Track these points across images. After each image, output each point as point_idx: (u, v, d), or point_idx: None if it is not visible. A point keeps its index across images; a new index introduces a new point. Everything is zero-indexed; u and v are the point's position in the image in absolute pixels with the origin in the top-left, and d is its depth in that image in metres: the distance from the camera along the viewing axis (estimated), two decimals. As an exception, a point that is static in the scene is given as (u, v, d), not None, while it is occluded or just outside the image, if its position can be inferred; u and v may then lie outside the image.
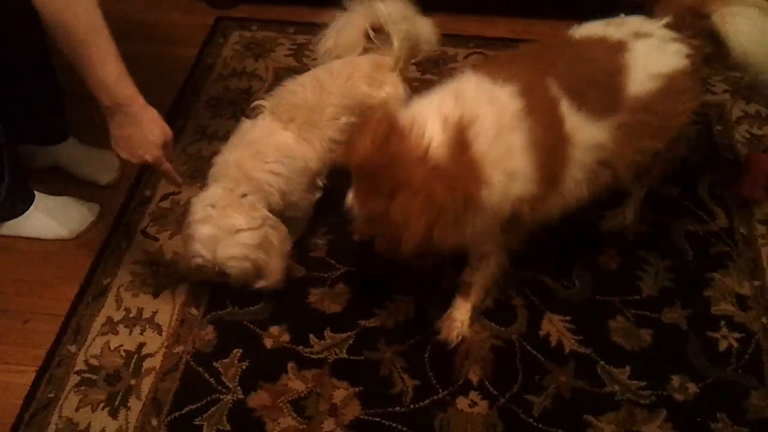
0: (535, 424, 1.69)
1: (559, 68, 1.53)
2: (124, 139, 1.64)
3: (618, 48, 1.56)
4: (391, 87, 1.92)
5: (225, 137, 2.28)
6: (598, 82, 1.53)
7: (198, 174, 2.21)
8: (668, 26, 1.60)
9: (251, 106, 1.91)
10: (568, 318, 1.88)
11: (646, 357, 1.81)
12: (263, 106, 1.86)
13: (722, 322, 1.86)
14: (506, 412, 1.71)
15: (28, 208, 2.02)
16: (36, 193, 2.05)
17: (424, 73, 2.56)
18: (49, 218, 2.04)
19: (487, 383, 1.76)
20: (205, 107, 2.45)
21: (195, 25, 2.76)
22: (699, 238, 2.04)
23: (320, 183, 1.92)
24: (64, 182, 2.19)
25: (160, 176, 2.17)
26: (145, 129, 1.63)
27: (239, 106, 2.44)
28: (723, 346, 1.82)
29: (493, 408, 1.72)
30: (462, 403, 1.73)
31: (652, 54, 1.56)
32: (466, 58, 2.62)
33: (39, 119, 2.12)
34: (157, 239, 2.07)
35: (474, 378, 1.77)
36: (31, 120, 2.09)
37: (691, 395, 1.74)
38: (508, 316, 1.89)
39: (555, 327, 1.86)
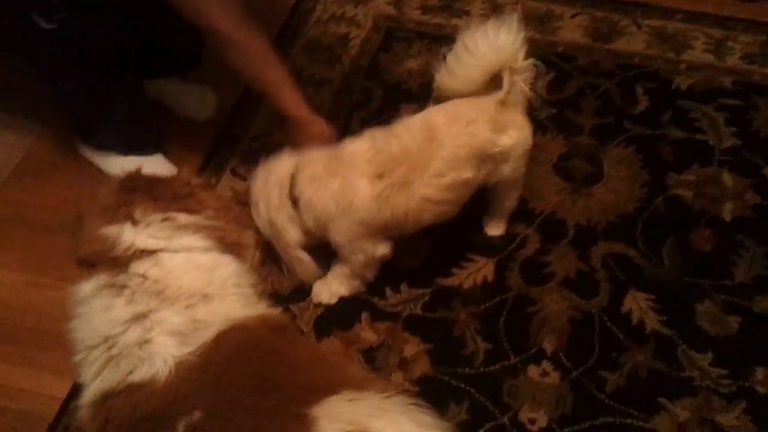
0: (606, 401, 1.65)
1: None
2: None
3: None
4: (516, 130, 1.72)
5: (320, 82, 2.33)
6: None
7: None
8: None
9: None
10: (653, 297, 1.82)
11: (731, 345, 1.73)
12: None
13: (818, 317, 1.77)
14: (578, 386, 1.68)
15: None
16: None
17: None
18: None
19: (561, 354, 1.73)
20: (302, 51, 2.45)
21: (298, -33, 2.74)
22: (803, 227, 1.94)
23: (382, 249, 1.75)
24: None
25: (253, 116, 2.21)
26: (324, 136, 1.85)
27: (335, 52, 2.43)
28: (816, 342, 1.73)
29: (565, 380, 1.69)
30: (533, 371, 1.71)
31: None
32: (572, 17, 2.52)
33: (184, 44, 2.16)
34: (245, 179, 2.09)
35: (548, 348, 1.74)
36: (176, 45, 2.14)
37: (774, 389, 1.66)
38: (590, 288, 1.84)
39: (638, 305, 1.81)
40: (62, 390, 1.70)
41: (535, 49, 2.29)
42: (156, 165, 2.09)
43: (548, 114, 2.22)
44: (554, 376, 1.70)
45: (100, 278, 1.24)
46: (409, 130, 1.67)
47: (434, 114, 1.70)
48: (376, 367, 1.72)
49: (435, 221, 1.74)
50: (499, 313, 1.80)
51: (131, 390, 1.16)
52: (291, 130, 1.89)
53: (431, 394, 1.66)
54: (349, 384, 1.19)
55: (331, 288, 1.82)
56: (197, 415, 1.12)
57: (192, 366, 1.17)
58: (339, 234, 1.69)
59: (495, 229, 1.94)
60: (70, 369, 1.59)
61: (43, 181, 2.12)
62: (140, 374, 1.16)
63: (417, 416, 1.23)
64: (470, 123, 1.65)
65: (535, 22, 2.50)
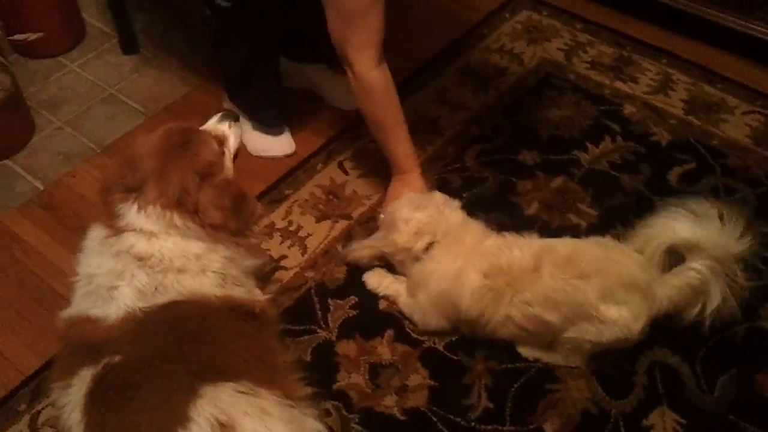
0: (579, 503, 1.57)
1: None
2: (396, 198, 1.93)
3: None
4: (628, 314, 1.63)
5: (457, 106, 2.37)
6: None
7: (414, 130, 2.29)
8: None
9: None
10: (685, 422, 1.68)
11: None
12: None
13: None
14: (558, 478, 1.61)
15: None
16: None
17: (688, 114, 2.34)
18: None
19: (558, 440, 1.66)
20: (455, 72, 2.50)
21: (494, -7, 2.79)
22: None
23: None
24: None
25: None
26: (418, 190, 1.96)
27: (486, 82, 2.45)
28: None
29: (548, 467, 1.62)
30: (520, 442, 1.66)
31: None
32: (744, 114, 2.34)
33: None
34: (347, 173, 2.20)
35: (548, 429, 1.67)
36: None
37: None
38: (621, 388, 1.74)
39: (664, 423, 1.68)
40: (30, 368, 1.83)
41: (687, 134, 2.23)
42: (279, 141, 2.26)
43: (668, 203, 2.09)
44: (540, 459, 1.64)
45: (103, 232, 1.42)
46: (523, 248, 1.70)
47: (557, 245, 1.71)
48: (376, 383, 1.75)
49: (510, 339, 1.76)
50: (516, 379, 1.76)
51: (87, 321, 1.33)
52: (392, 173, 2.02)
53: (413, 428, 1.68)
54: (253, 378, 1.25)
55: (381, 283, 1.90)
56: (117, 358, 1.25)
57: (136, 319, 1.30)
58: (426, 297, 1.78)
59: (527, 351, 1.80)
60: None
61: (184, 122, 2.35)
62: (98, 311, 1.33)
63: (296, 429, 1.27)
64: (581, 276, 1.62)
65: (703, 107, 2.36)
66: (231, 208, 1.47)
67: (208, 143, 1.54)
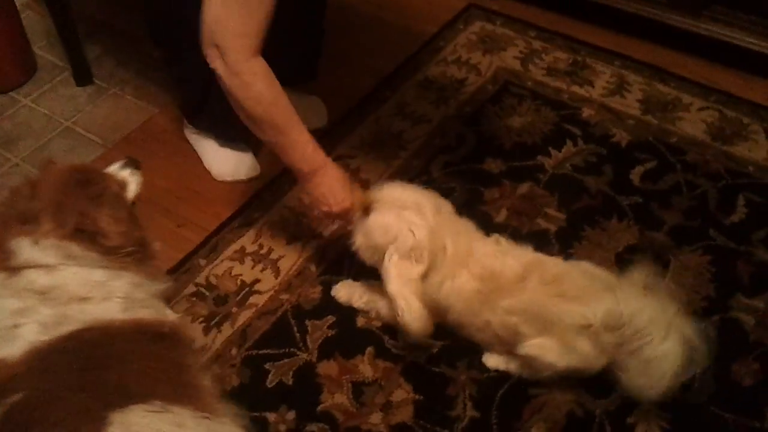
0: (572, 506, 1.57)
1: None
2: (325, 195, 1.77)
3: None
4: (586, 352, 1.62)
5: (419, 119, 2.38)
6: None
7: (378, 145, 2.30)
8: None
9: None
10: (668, 416, 1.70)
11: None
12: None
13: None
14: (549, 483, 1.61)
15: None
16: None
17: (645, 113, 2.39)
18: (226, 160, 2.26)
19: (545, 445, 1.67)
20: (415, 86, 2.51)
21: (445, 6, 2.81)
22: None
23: None
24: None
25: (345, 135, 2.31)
26: (341, 180, 1.78)
27: (444, 93, 2.47)
28: None
29: (538, 472, 1.63)
30: (510, 454, 1.66)
31: None
32: (699, 110, 2.40)
33: (300, 57, 2.27)
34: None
35: (535, 435, 1.69)
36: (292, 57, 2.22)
37: None
38: (604, 388, 1.74)
39: (648, 420, 1.69)
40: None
41: (646, 133, 2.27)
42: (244, 162, 2.24)
43: (632, 202, 2.12)
44: (530, 465, 1.64)
45: (1, 275, 1.35)
46: (516, 258, 1.69)
47: (547, 262, 1.71)
48: (360, 402, 1.74)
49: (482, 344, 1.77)
50: (500, 386, 1.76)
51: None
52: (303, 178, 1.79)
53: (401, 443, 1.67)
54: (163, 396, 1.23)
55: (352, 296, 1.88)
56: (18, 396, 1.19)
57: (39, 353, 1.25)
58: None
59: (493, 361, 1.80)
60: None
61: (144, 150, 2.32)
62: (1, 352, 1.26)
63: None
64: (562, 297, 1.61)
65: (659, 106, 2.41)
66: (128, 219, 1.45)
67: (107, 182, 1.50)
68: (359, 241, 1.75)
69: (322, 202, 1.79)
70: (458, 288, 1.69)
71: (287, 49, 2.15)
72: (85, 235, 1.35)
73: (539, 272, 1.66)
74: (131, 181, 1.58)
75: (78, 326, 1.29)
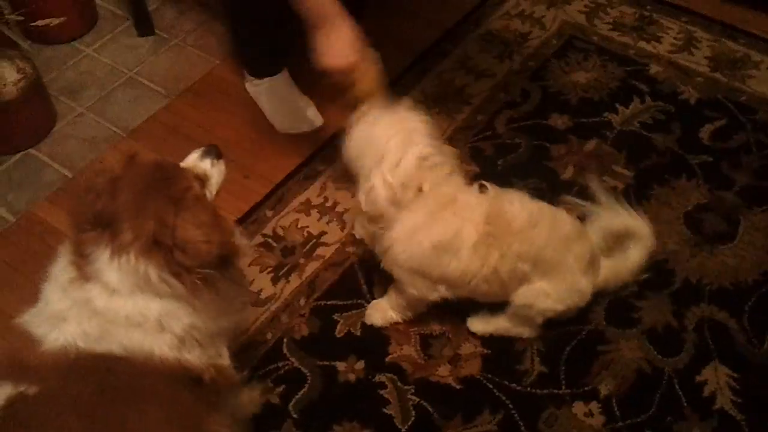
0: (640, 461, 1.59)
1: None
2: (333, 47, 1.70)
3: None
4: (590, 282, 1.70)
5: (482, 73, 2.36)
6: None
7: (441, 100, 2.28)
8: None
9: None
10: (737, 375, 1.70)
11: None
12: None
13: None
14: (618, 437, 1.63)
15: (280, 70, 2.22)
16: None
17: (714, 71, 2.34)
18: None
19: (613, 400, 1.67)
20: (478, 39, 2.48)
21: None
22: None
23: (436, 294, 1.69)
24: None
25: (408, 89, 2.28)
26: (348, 39, 1.70)
27: (509, 48, 2.43)
28: None
29: (607, 427, 1.63)
30: (579, 408, 1.67)
31: None
32: (772, 67, 2.34)
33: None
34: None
35: (603, 390, 1.69)
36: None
37: None
38: (673, 346, 1.75)
39: (717, 378, 1.69)
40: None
41: (715, 91, 2.23)
42: (305, 115, 2.23)
43: (702, 161, 2.09)
44: (598, 419, 1.65)
45: (70, 271, 1.29)
46: (524, 205, 1.63)
47: (557, 213, 1.68)
48: (428, 354, 1.76)
49: (484, 298, 1.71)
50: (567, 342, 1.77)
51: (29, 336, 1.25)
52: (311, 29, 1.72)
53: (470, 396, 1.69)
54: None
55: (385, 314, 1.81)
56: (33, 389, 1.18)
57: (68, 356, 1.22)
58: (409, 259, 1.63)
59: (479, 325, 1.79)
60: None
61: (208, 101, 2.34)
62: (40, 331, 1.25)
63: None
64: (569, 241, 1.64)
65: (728, 64, 2.35)
66: (211, 224, 1.31)
67: (189, 181, 1.37)
68: (349, 144, 1.66)
69: (324, 55, 1.71)
70: (466, 240, 1.59)
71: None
72: (162, 249, 1.25)
73: (545, 219, 1.63)
74: (213, 174, 1.47)
75: (116, 349, 1.25)
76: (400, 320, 1.81)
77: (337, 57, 1.71)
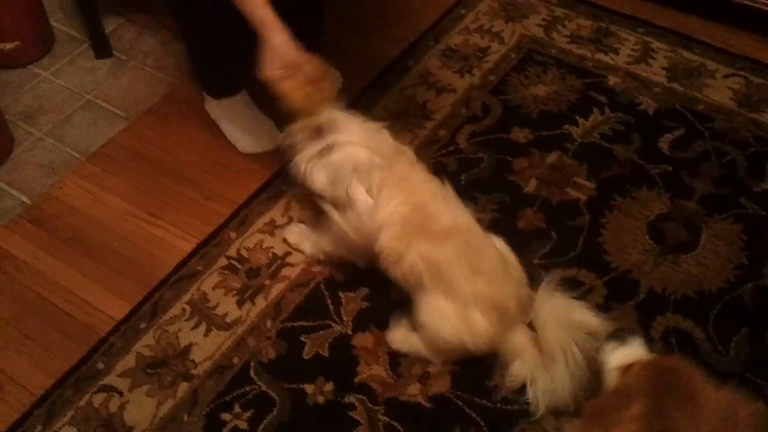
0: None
1: None
2: (262, 58, 1.72)
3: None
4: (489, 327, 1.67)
5: (445, 89, 2.37)
6: None
7: (403, 115, 2.29)
8: None
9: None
10: (703, 384, 1.71)
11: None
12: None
13: None
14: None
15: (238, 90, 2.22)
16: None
17: (671, 81, 2.37)
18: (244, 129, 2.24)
19: (583, 414, 1.68)
20: (438, 55, 2.48)
21: (466, -26, 2.77)
22: None
23: None
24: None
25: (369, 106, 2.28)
26: (279, 45, 1.72)
27: (469, 63, 2.45)
28: None
29: (577, 441, 1.64)
30: (549, 423, 1.67)
31: None
32: (725, 77, 2.38)
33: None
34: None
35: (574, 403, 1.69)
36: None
37: None
38: (639, 356, 1.76)
39: (684, 387, 1.71)
40: (120, 313, 1.87)
41: (672, 101, 2.26)
42: (266, 134, 2.22)
43: (662, 170, 2.12)
44: (568, 434, 1.65)
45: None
46: (455, 215, 1.69)
47: (486, 244, 1.70)
48: (398, 373, 1.75)
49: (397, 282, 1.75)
50: (536, 357, 1.77)
51: None
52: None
53: (441, 414, 1.68)
54: None
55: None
56: None
57: None
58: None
59: (398, 340, 1.80)
60: (134, 296, 1.85)
61: (168, 123, 2.31)
62: None
63: None
64: (474, 270, 1.63)
65: (684, 73, 2.39)
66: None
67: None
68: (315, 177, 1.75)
69: (258, 66, 1.73)
70: (392, 211, 1.67)
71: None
72: None
73: (464, 235, 1.65)
74: None
75: None
76: (308, 251, 1.93)
77: (264, 68, 1.72)
